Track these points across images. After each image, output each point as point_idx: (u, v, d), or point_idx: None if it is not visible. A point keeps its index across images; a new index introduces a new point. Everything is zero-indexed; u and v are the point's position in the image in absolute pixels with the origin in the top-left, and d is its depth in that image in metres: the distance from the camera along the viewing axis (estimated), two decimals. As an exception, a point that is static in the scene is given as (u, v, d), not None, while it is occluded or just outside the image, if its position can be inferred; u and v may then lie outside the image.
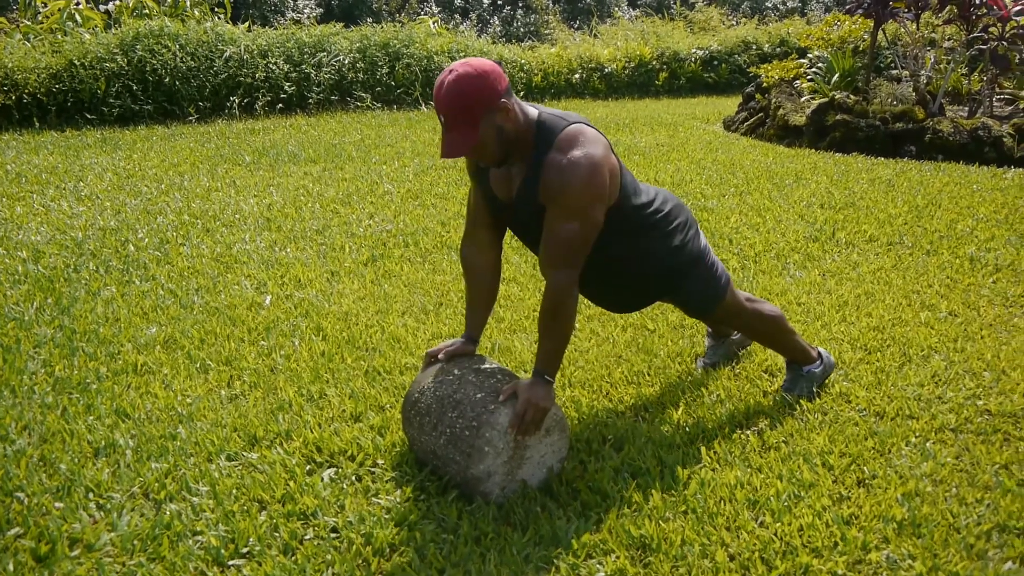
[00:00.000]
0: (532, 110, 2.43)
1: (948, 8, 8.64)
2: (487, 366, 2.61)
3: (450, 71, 2.28)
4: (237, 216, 5.70)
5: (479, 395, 2.44)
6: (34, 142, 8.69)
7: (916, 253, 4.71)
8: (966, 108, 8.84)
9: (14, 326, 3.72)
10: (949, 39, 9.74)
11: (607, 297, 2.87)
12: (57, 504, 2.39)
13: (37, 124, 9.57)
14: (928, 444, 2.69)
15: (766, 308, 2.98)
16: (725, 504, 2.40)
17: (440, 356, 2.67)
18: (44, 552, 2.18)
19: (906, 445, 2.70)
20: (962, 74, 9.61)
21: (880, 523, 2.30)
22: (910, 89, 8.57)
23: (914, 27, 9.25)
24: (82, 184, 6.65)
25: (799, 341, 3.03)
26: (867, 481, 2.51)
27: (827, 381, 3.14)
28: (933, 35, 9.84)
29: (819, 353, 3.10)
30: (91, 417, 2.91)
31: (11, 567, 2.11)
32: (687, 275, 2.77)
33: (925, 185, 6.40)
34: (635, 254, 2.64)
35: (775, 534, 2.26)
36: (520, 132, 2.38)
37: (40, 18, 11.84)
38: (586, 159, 2.32)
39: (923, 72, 8.97)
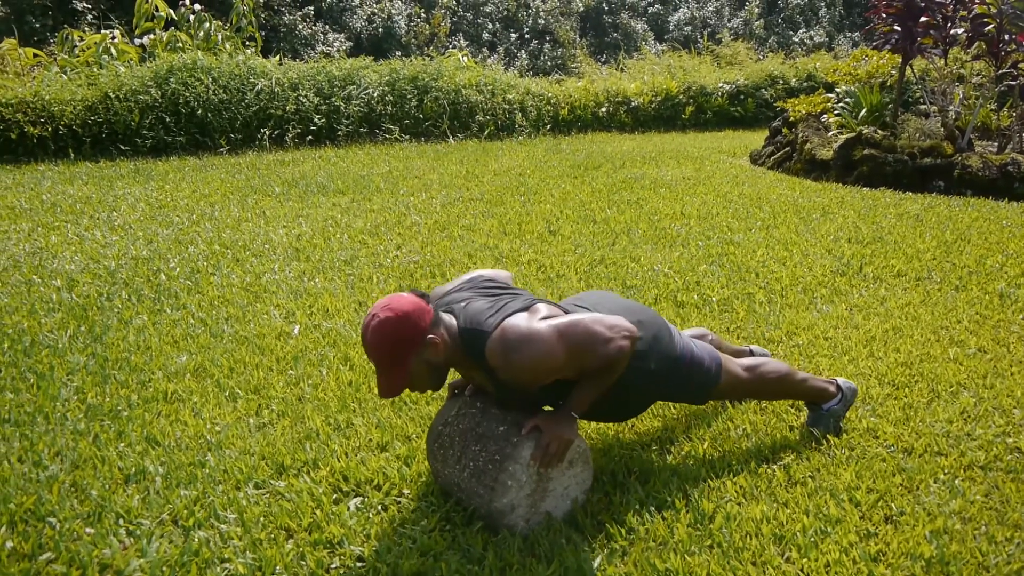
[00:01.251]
0: (453, 324, 2.41)
1: (977, 44, 8.65)
2: (512, 398, 2.63)
3: (372, 316, 2.29)
4: (266, 246, 5.77)
5: (502, 428, 2.45)
6: (69, 172, 8.85)
7: (945, 289, 4.69)
8: (995, 144, 8.81)
9: (48, 353, 3.78)
10: (978, 75, 9.73)
11: (601, 419, 2.85)
12: (88, 530, 2.42)
13: (72, 155, 9.75)
14: (957, 481, 2.67)
15: (768, 370, 2.94)
16: (751, 539, 2.39)
17: (467, 391, 2.68)
18: (75, 577, 2.21)
19: (934, 482, 2.68)
20: (991, 110, 9.58)
21: (908, 560, 2.28)
22: (938, 124, 8.55)
23: (942, 63, 9.25)
24: (115, 214, 6.76)
25: (813, 385, 3.00)
26: (895, 518, 2.50)
27: (854, 416, 3.12)
28: (961, 71, 9.83)
29: (838, 386, 3.07)
30: (122, 444, 2.95)
31: (42, 591, 2.14)
32: (670, 381, 2.73)
33: (954, 220, 6.37)
34: (614, 390, 2.58)
35: (801, 570, 2.25)
36: (452, 353, 2.39)
37: (76, 51, 12.09)
38: (522, 347, 2.28)
39: (951, 107, 8.95)
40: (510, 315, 2.37)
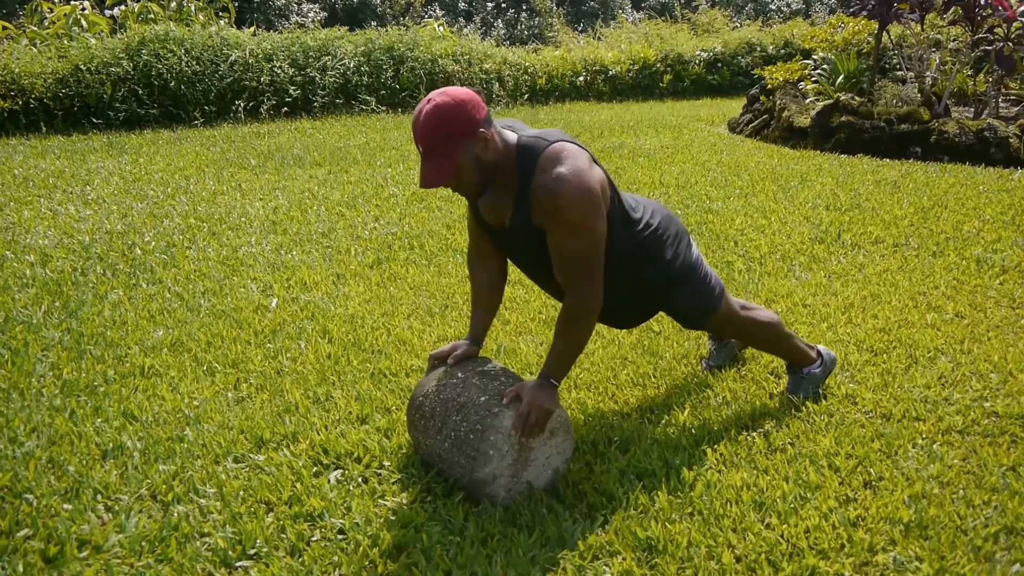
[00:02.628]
0: (511, 135, 2.41)
1: (953, 9, 8.64)
2: (491, 369, 2.62)
3: (428, 100, 2.26)
4: (243, 219, 5.72)
5: (483, 398, 2.44)
6: (41, 146, 8.72)
7: (922, 255, 4.71)
8: (972, 109, 8.83)
9: (22, 329, 3.73)
10: (954, 40, 9.74)
11: (604, 314, 2.86)
12: (66, 506, 2.40)
13: (44, 129, 9.61)
14: (935, 446, 2.69)
15: (761, 315, 2.96)
16: (731, 506, 2.40)
17: (449, 361, 2.67)
18: (53, 553, 2.19)
19: (913, 447, 2.70)
20: (968, 75, 9.60)
21: (887, 525, 2.29)
22: (915, 90, 8.56)
23: (919, 28, 9.25)
24: (89, 188, 6.67)
25: (797, 344, 3.02)
26: (873, 483, 2.51)
27: (833, 383, 3.14)
28: (938, 36, 9.83)
29: (818, 352, 3.09)
30: (99, 419, 2.92)
31: (20, 568, 2.12)
32: (680, 287, 2.75)
33: (931, 186, 6.39)
34: (627, 270, 2.62)
35: (781, 536, 2.26)
36: (500, 160, 2.36)
37: (46, 23, 11.88)
38: (573, 175, 2.29)
39: (928, 73, 8.96)
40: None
